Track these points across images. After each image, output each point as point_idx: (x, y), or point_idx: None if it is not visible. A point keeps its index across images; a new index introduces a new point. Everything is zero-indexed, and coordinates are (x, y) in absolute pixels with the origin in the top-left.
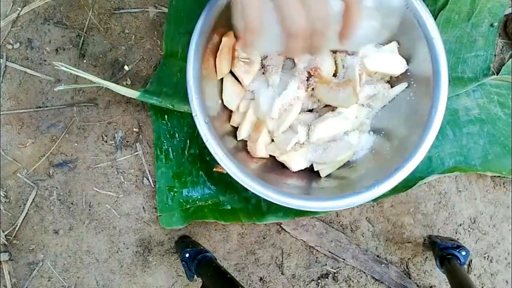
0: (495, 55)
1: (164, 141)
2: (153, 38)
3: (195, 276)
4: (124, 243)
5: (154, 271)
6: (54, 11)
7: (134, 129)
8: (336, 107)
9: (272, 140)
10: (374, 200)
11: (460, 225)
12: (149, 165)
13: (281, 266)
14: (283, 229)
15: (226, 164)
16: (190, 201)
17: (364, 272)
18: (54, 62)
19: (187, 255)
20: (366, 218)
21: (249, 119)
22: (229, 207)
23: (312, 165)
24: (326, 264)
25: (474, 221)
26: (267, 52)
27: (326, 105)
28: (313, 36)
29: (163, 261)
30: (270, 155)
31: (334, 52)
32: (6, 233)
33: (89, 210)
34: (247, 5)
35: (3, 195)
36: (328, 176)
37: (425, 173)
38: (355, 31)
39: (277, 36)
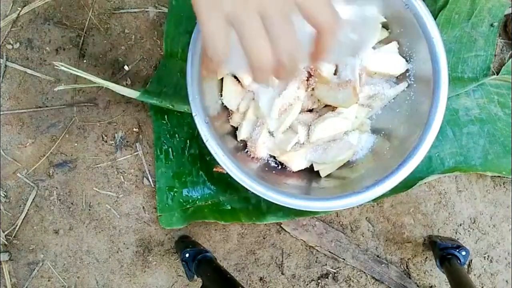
0: (495, 55)
1: (164, 141)
2: (153, 38)
3: (195, 276)
4: (124, 243)
5: (154, 271)
6: (54, 11)
7: (134, 129)
8: (336, 107)
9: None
10: (374, 200)
11: (460, 225)
12: (149, 165)
13: (281, 266)
14: (283, 229)
15: (226, 164)
16: (190, 201)
17: (364, 272)
18: (54, 62)
19: (187, 255)
20: (366, 218)
21: (249, 119)
22: (229, 207)
23: (312, 165)
24: (326, 264)
25: (474, 221)
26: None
27: (326, 105)
28: (282, 67)
29: (163, 261)
30: (270, 155)
31: None
32: (6, 233)
33: (89, 210)
34: (210, 37)
35: (3, 195)
36: (328, 176)
37: (425, 173)
38: (329, 53)
39: (244, 66)
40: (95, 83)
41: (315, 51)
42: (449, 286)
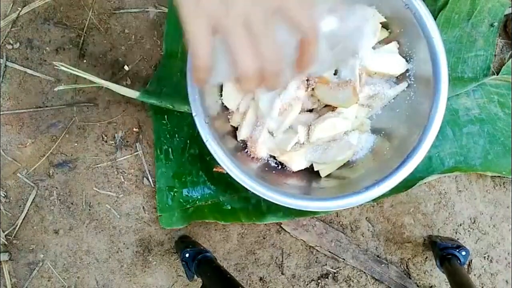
0: (495, 55)
1: (164, 141)
2: (153, 38)
3: (195, 276)
4: (124, 243)
5: (154, 271)
6: (54, 11)
7: (134, 129)
8: (336, 107)
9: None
10: (374, 200)
11: (460, 225)
12: (149, 165)
13: (281, 266)
14: (283, 229)
15: (226, 164)
16: (190, 201)
17: (364, 272)
18: (54, 62)
19: (187, 255)
20: (366, 218)
21: (249, 119)
22: (229, 207)
23: (312, 165)
24: (326, 264)
25: (474, 221)
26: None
27: (326, 105)
28: (266, 76)
29: (163, 261)
30: (270, 155)
31: None
32: (6, 233)
33: (89, 210)
34: (196, 46)
35: (3, 195)
36: (328, 176)
37: (425, 173)
38: (313, 61)
39: (229, 74)
40: (95, 83)
41: (299, 60)
42: (449, 286)
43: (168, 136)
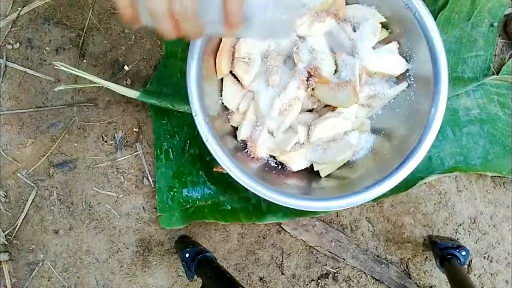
0: (495, 55)
1: (164, 141)
2: (153, 38)
3: (195, 276)
4: (124, 243)
5: (154, 271)
6: (54, 11)
7: (134, 129)
8: (336, 107)
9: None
10: (374, 200)
11: (460, 225)
12: (149, 165)
13: (281, 266)
14: (283, 229)
15: (226, 164)
16: (190, 201)
17: (364, 272)
18: (54, 62)
19: (187, 255)
20: (366, 218)
21: (249, 119)
22: (229, 207)
23: (312, 165)
24: (326, 264)
25: (474, 221)
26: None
27: (326, 105)
28: (181, 20)
29: (163, 261)
30: (270, 155)
31: (335, 52)
32: (6, 233)
33: (89, 210)
34: None
35: (3, 195)
36: (328, 176)
37: (425, 173)
38: (239, 20)
39: (147, 15)
40: (95, 83)
41: (224, 16)
42: (449, 286)
43: (168, 136)
